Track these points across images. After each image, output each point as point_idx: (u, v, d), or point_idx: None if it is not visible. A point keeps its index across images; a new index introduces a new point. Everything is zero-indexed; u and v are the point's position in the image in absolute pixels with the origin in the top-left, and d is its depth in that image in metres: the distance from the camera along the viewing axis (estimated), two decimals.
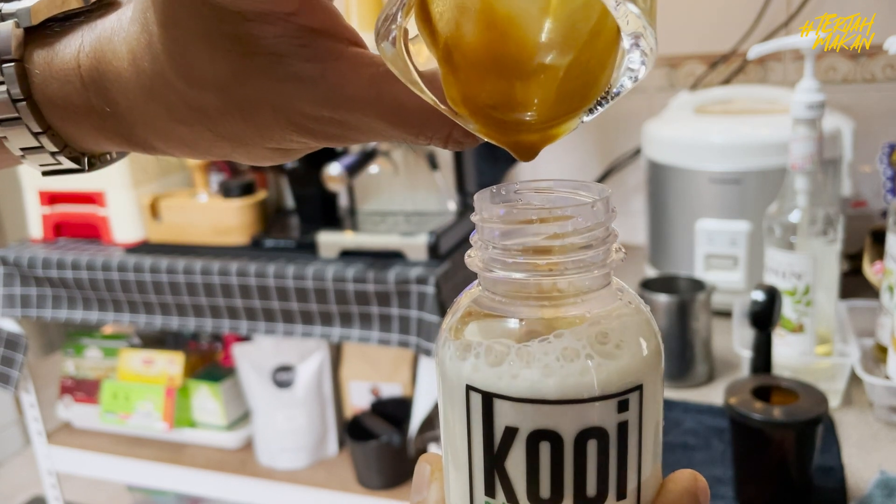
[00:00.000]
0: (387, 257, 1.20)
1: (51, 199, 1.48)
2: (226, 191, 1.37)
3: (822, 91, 0.80)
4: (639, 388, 0.22)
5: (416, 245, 1.18)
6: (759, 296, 0.77)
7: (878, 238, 1.01)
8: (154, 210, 1.39)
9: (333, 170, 1.14)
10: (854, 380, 0.85)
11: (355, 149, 1.27)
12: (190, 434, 1.51)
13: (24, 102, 0.28)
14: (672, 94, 1.32)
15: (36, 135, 0.28)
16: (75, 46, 0.28)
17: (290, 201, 1.51)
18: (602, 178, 1.45)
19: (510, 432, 0.22)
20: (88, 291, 1.37)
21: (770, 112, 1.08)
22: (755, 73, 1.32)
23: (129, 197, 1.42)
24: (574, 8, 0.22)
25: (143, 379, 1.53)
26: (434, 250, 1.17)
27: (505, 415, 0.22)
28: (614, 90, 0.23)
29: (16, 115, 0.28)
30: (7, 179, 1.97)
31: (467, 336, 0.23)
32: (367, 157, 1.23)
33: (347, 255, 1.23)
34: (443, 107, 0.24)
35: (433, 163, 1.29)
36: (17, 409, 2.45)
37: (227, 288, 1.25)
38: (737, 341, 0.91)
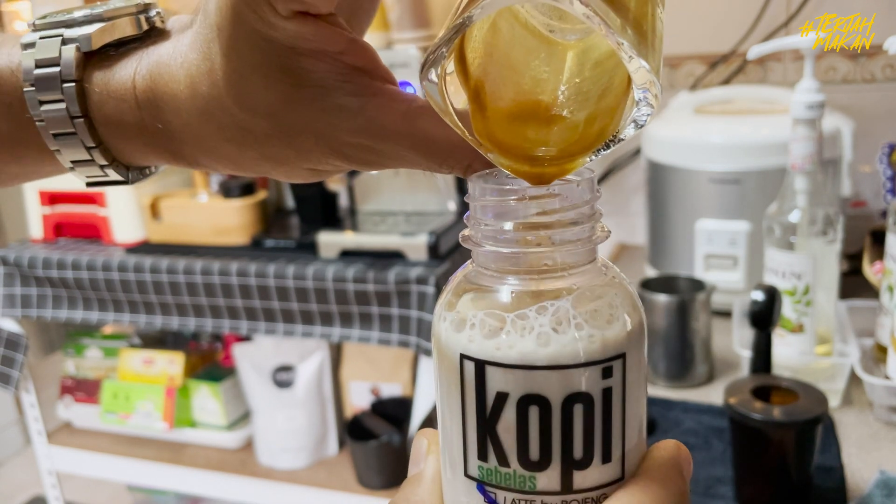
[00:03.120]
0: (387, 257, 1.20)
1: (51, 199, 1.48)
2: (226, 191, 1.37)
3: (822, 91, 0.80)
4: (622, 356, 0.24)
5: (416, 245, 1.18)
6: (758, 296, 0.77)
7: (878, 238, 1.01)
8: (154, 210, 1.39)
9: None
10: (854, 380, 0.85)
11: None
12: (190, 434, 1.51)
13: (82, 120, 0.30)
14: (672, 95, 1.32)
15: (89, 149, 0.31)
16: (131, 69, 0.30)
17: (290, 201, 1.52)
18: (602, 178, 1.45)
19: (501, 397, 0.23)
20: (89, 291, 1.37)
21: (770, 112, 1.08)
22: (755, 73, 1.32)
23: (130, 197, 1.42)
24: (590, 70, 0.24)
25: (144, 379, 1.53)
26: (434, 250, 1.17)
27: (496, 381, 0.23)
28: (621, 135, 0.25)
29: (72, 130, 0.30)
30: None
31: (462, 310, 0.24)
32: None
33: (347, 255, 1.23)
34: (470, 138, 0.26)
35: None
36: (17, 409, 2.45)
37: (228, 288, 1.25)
38: (737, 341, 0.91)
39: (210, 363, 1.59)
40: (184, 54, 0.29)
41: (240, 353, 1.45)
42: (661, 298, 0.88)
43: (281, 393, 1.43)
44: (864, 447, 0.76)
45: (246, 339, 1.48)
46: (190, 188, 1.50)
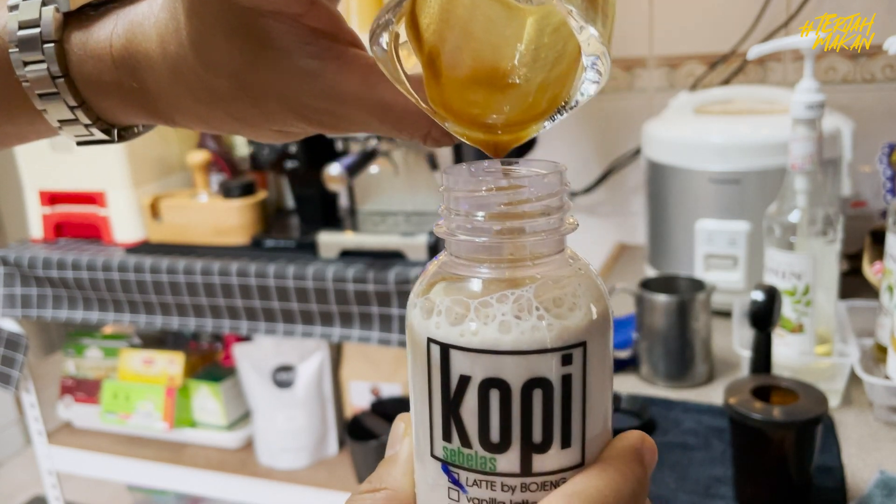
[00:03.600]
0: (387, 257, 1.20)
1: (51, 199, 1.48)
2: (226, 191, 1.37)
3: (822, 91, 0.80)
4: (582, 344, 0.24)
5: (416, 245, 1.18)
6: (758, 296, 0.77)
7: (878, 238, 1.01)
8: (154, 210, 1.39)
9: (333, 170, 1.14)
10: (854, 380, 0.85)
11: (355, 149, 1.27)
12: (190, 434, 1.51)
13: (63, 79, 0.31)
14: (672, 95, 1.32)
15: (72, 108, 0.32)
16: (108, 29, 0.31)
17: (290, 201, 1.52)
18: (602, 178, 1.45)
19: (464, 381, 0.24)
20: (89, 291, 1.37)
21: (770, 112, 1.08)
22: (755, 73, 1.32)
23: (130, 197, 1.42)
24: (544, 36, 0.25)
25: (144, 379, 1.53)
26: (434, 250, 1.17)
27: (460, 364, 0.24)
28: (572, 103, 0.26)
29: (54, 90, 0.31)
30: (8, 180, 1.97)
31: (432, 296, 0.25)
32: (367, 157, 1.23)
33: (347, 255, 1.23)
34: (424, 106, 0.26)
35: (433, 163, 1.29)
36: (17, 409, 2.45)
37: (228, 288, 1.25)
38: (736, 341, 0.91)
39: (210, 363, 1.59)
40: (156, 14, 0.30)
41: (240, 353, 1.45)
42: (661, 298, 0.88)
43: (281, 393, 1.43)
44: (863, 447, 0.76)
45: (246, 339, 1.48)
46: (190, 188, 1.50)
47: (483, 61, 0.25)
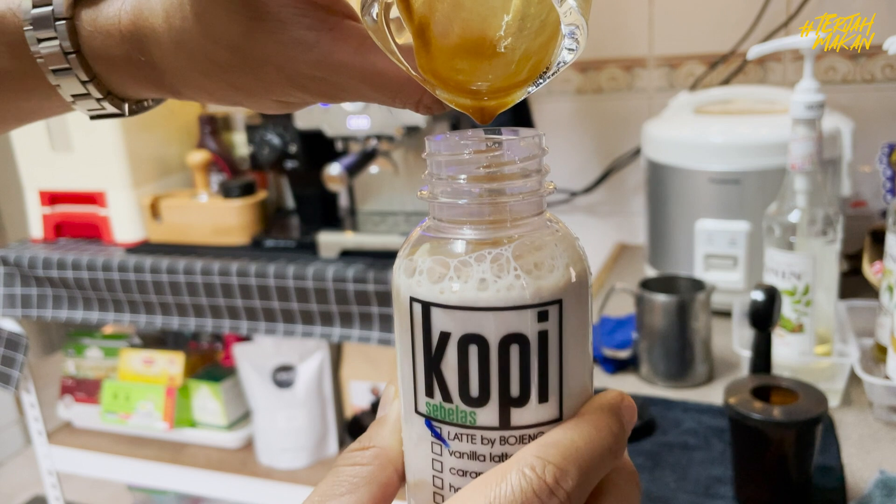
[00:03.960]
0: (387, 257, 1.20)
1: (51, 199, 1.48)
2: (226, 191, 1.37)
3: (822, 91, 0.80)
4: (558, 302, 0.25)
5: None
6: (758, 296, 0.77)
7: (878, 238, 1.01)
8: (154, 210, 1.39)
9: (333, 170, 1.14)
10: (853, 380, 0.85)
11: (355, 149, 1.27)
12: (190, 434, 1.52)
13: (74, 55, 0.33)
14: (672, 95, 1.32)
15: (84, 83, 0.33)
16: (117, 6, 0.32)
17: (290, 201, 1.52)
18: (602, 179, 1.45)
19: (444, 337, 0.25)
20: (89, 291, 1.37)
21: (769, 112, 1.08)
22: (755, 73, 1.32)
23: (130, 197, 1.43)
24: (531, 6, 0.26)
25: (144, 379, 1.53)
26: None
27: (440, 321, 0.25)
28: (552, 70, 0.27)
29: (67, 66, 0.33)
30: (8, 180, 1.97)
31: (415, 258, 0.26)
32: (367, 157, 1.23)
33: (347, 255, 1.23)
34: (414, 74, 0.27)
35: None
36: (17, 409, 2.45)
37: (228, 288, 1.25)
38: (736, 341, 0.91)
39: (210, 363, 1.59)
40: None
41: (240, 353, 1.45)
42: (661, 298, 0.88)
43: (281, 393, 1.43)
44: (863, 447, 0.76)
45: (246, 339, 1.48)
46: (190, 188, 1.51)
47: (471, 31, 0.26)
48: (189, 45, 0.31)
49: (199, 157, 1.40)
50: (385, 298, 1.17)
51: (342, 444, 1.48)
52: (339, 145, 1.32)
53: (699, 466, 0.74)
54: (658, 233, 1.15)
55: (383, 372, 1.42)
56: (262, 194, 1.40)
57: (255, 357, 1.44)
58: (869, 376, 0.79)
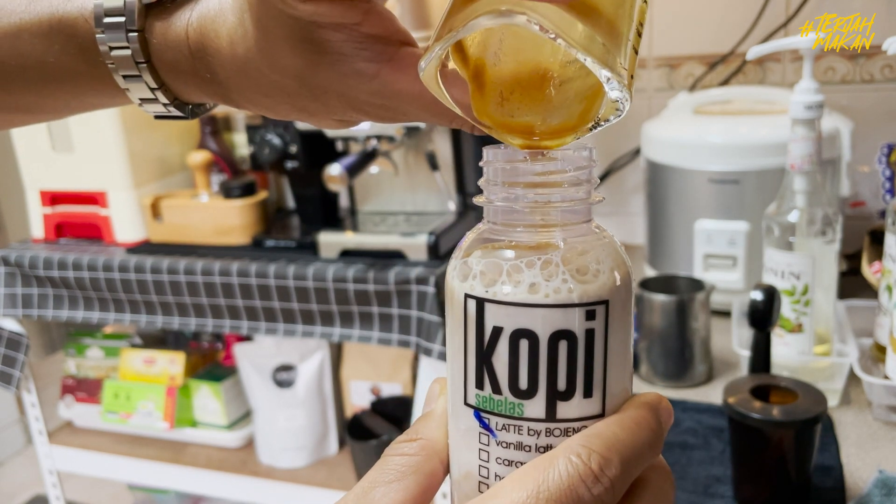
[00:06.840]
0: (387, 257, 1.20)
1: (52, 199, 1.48)
2: (227, 191, 1.37)
3: (821, 92, 0.80)
4: (605, 302, 0.26)
5: (416, 245, 1.19)
6: (757, 296, 0.77)
7: (877, 238, 1.02)
8: (155, 210, 1.39)
9: (334, 170, 1.14)
10: (853, 379, 0.86)
11: (356, 149, 1.28)
12: (191, 433, 1.52)
13: (145, 65, 0.34)
14: (671, 95, 1.32)
15: (152, 90, 0.35)
16: (185, 21, 0.34)
17: (290, 201, 1.52)
18: (602, 179, 1.45)
19: (496, 331, 0.26)
20: (90, 291, 1.38)
21: (769, 112, 1.08)
22: (754, 73, 1.33)
23: (131, 197, 1.43)
24: (573, 71, 0.27)
25: (145, 378, 1.53)
26: (434, 250, 1.18)
27: (493, 316, 0.26)
28: (602, 120, 0.28)
29: (137, 73, 0.35)
30: (9, 180, 1.97)
31: (470, 260, 0.28)
32: (367, 157, 1.23)
33: (348, 255, 1.23)
34: (469, 117, 0.29)
35: (433, 163, 1.30)
36: (18, 409, 2.46)
37: (228, 288, 1.25)
38: (736, 341, 0.91)
39: (211, 363, 1.59)
40: (225, 15, 0.33)
41: (240, 352, 1.45)
42: (661, 298, 0.89)
43: (281, 392, 1.43)
44: (862, 447, 0.76)
45: (247, 338, 1.48)
46: (191, 188, 1.51)
47: (520, 81, 0.28)
48: (252, 72, 0.33)
49: (199, 157, 1.41)
50: (385, 298, 1.17)
51: (342, 444, 1.48)
52: (340, 145, 1.32)
53: (698, 466, 0.74)
54: (657, 233, 1.15)
55: (383, 372, 1.43)
56: (262, 194, 1.40)
57: (255, 357, 1.44)
58: (868, 376, 0.79)
